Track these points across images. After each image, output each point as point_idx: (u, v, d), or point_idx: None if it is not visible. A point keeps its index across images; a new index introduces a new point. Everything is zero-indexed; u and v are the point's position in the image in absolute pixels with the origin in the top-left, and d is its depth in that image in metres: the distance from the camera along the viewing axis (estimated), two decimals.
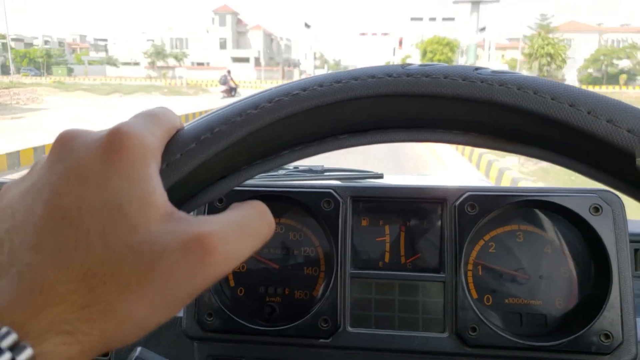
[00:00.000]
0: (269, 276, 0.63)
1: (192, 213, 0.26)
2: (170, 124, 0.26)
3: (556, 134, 0.24)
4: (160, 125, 0.26)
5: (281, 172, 1.19)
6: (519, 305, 0.60)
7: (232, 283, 0.64)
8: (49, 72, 46.34)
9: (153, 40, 52.39)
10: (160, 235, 0.22)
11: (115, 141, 0.23)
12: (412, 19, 39.86)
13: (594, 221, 0.57)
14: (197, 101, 17.89)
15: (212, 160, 0.25)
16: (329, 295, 0.60)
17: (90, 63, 53.91)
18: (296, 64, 65.58)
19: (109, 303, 0.21)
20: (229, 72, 18.81)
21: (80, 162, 0.23)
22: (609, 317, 0.56)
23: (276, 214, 0.64)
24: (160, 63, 47.17)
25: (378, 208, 0.63)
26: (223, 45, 49.55)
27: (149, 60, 46.38)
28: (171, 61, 48.38)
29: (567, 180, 5.21)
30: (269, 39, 56.26)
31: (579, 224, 0.59)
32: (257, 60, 50.97)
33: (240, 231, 0.24)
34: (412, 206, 0.62)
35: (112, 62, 52.75)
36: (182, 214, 0.23)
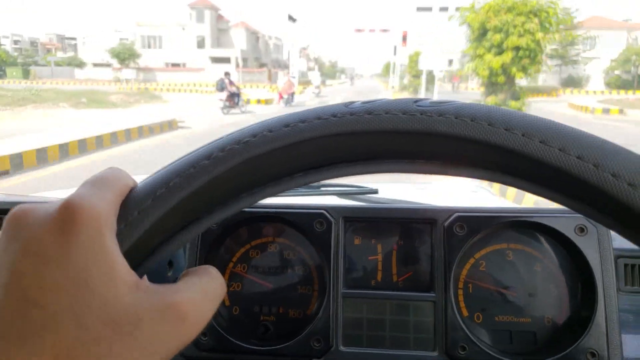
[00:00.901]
0: (264, 295, 0.65)
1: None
2: (121, 184, 0.26)
3: (497, 158, 0.25)
4: (111, 189, 0.25)
5: None
6: (509, 322, 0.61)
7: (227, 302, 0.65)
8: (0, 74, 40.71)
9: (128, 39, 46.87)
10: (134, 305, 0.22)
11: (67, 216, 0.23)
12: (419, 9, 34.28)
13: (579, 241, 0.60)
14: (119, 116, 12.30)
15: (170, 214, 0.25)
16: (322, 315, 0.61)
17: (57, 64, 48.10)
18: (286, 65, 60.24)
19: None
20: (227, 74, 14.41)
21: (36, 240, 0.23)
22: (595, 335, 0.57)
23: (270, 233, 0.67)
24: (132, 64, 41.69)
25: (370, 228, 0.65)
26: (201, 43, 43.98)
27: (118, 60, 40.83)
28: (145, 60, 42.92)
29: None
30: (255, 37, 50.78)
31: (566, 243, 0.61)
32: (244, 60, 45.52)
33: (204, 296, 0.25)
34: (404, 226, 0.64)
35: (77, 63, 46.94)
36: (147, 283, 0.24)
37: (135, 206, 0.25)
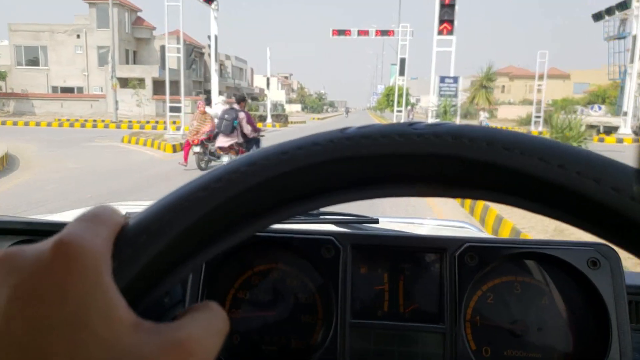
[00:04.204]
0: (266, 324, 0.63)
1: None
2: (114, 221, 0.25)
3: (497, 178, 0.25)
4: (104, 226, 0.25)
5: None
6: (518, 357, 0.60)
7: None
8: None
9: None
10: (136, 346, 0.21)
11: (60, 254, 0.22)
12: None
13: (592, 275, 0.59)
14: None
15: (166, 250, 0.25)
16: (329, 345, 0.60)
17: None
18: (252, 94, 45.57)
19: None
20: (234, 98, 8.51)
21: (27, 281, 0.22)
22: None
23: (274, 259, 0.65)
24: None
25: (377, 256, 0.64)
26: (104, 58, 29.01)
27: None
28: (21, 82, 28.08)
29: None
30: (197, 53, 36.06)
31: (577, 277, 0.60)
32: (171, 85, 30.50)
33: (208, 332, 0.24)
34: (412, 255, 0.64)
35: None
36: (147, 322, 0.23)
37: (129, 243, 0.25)
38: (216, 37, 17.06)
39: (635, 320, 0.69)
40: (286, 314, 0.63)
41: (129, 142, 14.10)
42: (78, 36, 30.54)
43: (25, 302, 0.21)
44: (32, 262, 0.22)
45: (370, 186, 0.27)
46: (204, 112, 8.95)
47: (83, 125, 20.47)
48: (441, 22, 15.02)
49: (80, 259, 0.22)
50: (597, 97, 30.58)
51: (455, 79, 17.18)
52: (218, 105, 11.02)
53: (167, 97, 15.21)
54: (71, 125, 20.78)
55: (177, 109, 14.62)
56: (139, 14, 32.71)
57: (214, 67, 17.45)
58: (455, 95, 17.03)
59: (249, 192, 0.25)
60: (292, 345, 0.62)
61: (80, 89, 30.68)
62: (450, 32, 15.21)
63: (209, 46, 17.50)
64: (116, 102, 21.86)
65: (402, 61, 23.83)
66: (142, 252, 0.24)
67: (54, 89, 30.78)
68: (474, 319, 0.61)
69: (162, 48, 21.41)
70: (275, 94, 66.57)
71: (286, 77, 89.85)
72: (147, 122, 21.98)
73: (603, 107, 24.83)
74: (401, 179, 0.26)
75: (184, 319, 0.24)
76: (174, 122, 14.72)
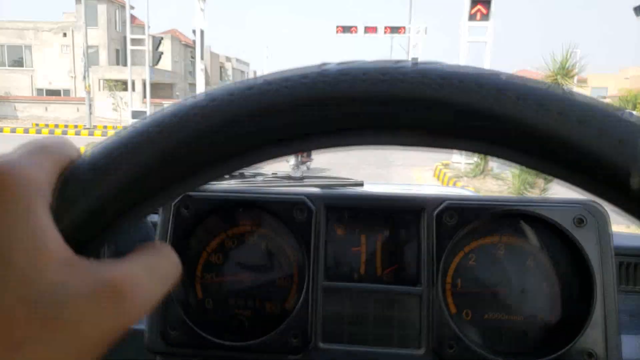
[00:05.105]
0: (240, 288, 0.62)
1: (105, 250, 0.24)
2: (62, 154, 0.23)
3: (489, 125, 0.22)
4: (50, 158, 0.23)
5: (258, 178, 1.13)
6: (499, 320, 0.59)
7: (199, 294, 0.62)
8: None
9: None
10: (61, 283, 0.20)
11: None
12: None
13: (577, 233, 0.57)
14: None
15: (116, 189, 0.23)
16: (300, 309, 0.59)
17: None
18: None
19: None
20: None
21: None
22: (592, 335, 0.55)
23: (248, 222, 0.63)
24: None
25: (353, 217, 0.62)
26: (93, 59, 26.98)
27: None
28: (2, 84, 26.12)
29: None
30: (191, 52, 33.92)
31: (562, 236, 0.58)
32: (163, 88, 28.71)
33: (150, 274, 0.23)
34: (389, 215, 0.62)
35: None
36: (81, 258, 0.21)
37: (75, 179, 0.23)
38: (202, 32, 14.96)
39: (625, 282, 0.66)
40: (261, 278, 0.62)
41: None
42: (65, 35, 28.52)
43: None
44: None
45: (347, 132, 0.24)
46: None
47: (65, 132, 18.58)
48: (474, 3, 11.17)
49: (11, 189, 0.20)
50: (627, 103, 28.24)
51: None
52: None
53: (130, 100, 13.02)
54: (51, 132, 18.86)
55: (141, 115, 12.45)
56: (130, 11, 30.69)
57: (199, 66, 15.35)
58: None
59: (209, 131, 0.23)
60: (266, 309, 0.61)
61: (67, 92, 28.63)
62: (485, 17, 11.84)
63: (194, 42, 15.35)
64: (90, 105, 19.86)
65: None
66: (88, 191, 0.22)
67: (39, 91, 28.73)
68: (455, 281, 0.59)
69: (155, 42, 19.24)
70: None
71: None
72: (125, 127, 19.86)
73: (635, 113, 22.50)
74: (383, 124, 0.23)
75: (126, 258, 0.23)
76: None
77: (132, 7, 30.94)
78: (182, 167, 0.23)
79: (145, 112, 12.42)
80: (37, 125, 20.50)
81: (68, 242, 0.21)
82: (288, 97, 0.22)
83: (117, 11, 28.85)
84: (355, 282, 0.60)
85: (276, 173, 1.25)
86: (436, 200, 0.59)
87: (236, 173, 1.15)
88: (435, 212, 0.59)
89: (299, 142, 0.23)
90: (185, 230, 0.61)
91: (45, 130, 19.11)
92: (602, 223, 0.56)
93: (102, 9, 27.69)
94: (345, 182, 1.05)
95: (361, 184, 1.04)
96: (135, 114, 12.44)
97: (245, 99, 0.22)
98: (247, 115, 0.22)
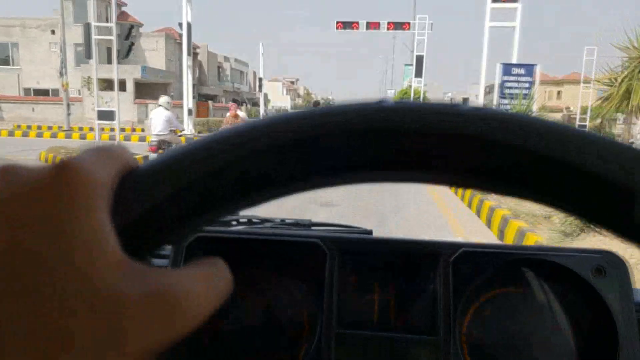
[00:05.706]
0: (248, 337, 0.60)
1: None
2: (124, 160, 0.24)
3: (544, 173, 0.21)
4: (115, 161, 0.23)
5: (267, 224, 1.15)
6: None
7: (206, 340, 0.60)
8: None
9: None
10: (117, 286, 0.20)
11: (61, 177, 0.20)
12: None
13: (597, 284, 0.54)
14: None
15: (173, 197, 0.23)
16: (313, 357, 0.57)
17: None
18: (254, 99, 42.19)
19: None
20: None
21: (17, 201, 0.20)
22: None
23: (259, 266, 0.61)
24: None
25: (367, 263, 0.61)
26: (82, 56, 25.65)
27: None
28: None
29: None
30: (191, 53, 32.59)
31: (581, 287, 0.55)
32: (153, 88, 27.33)
33: (205, 288, 0.23)
34: (404, 262, 0.60)
35: None
36: (139, 265, 0.21)
37: (135, 183, 0.23)
38: (189, 25, 13.75)
39: None
40: (271, 326, 0.60)
41: (45, 159, 10.30)
42: (53, 32, 27.36)
43: (9, 223, 0.20)
44: (26, 181, 0.21)
45: (399, 167, 0.23)
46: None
47: (54, 135, 17.26)
48: None
49: (78, 187, 0.21)
50: None
51: (530, 68, 10.67)
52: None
53: (117, 99, 11.72)
54: (39, 135, 17.69)
55: (108, 115, 11.07)
56: (123, 8, 29.50)
57: (185, 63, 14.11)
58: (529, 94, 10.22)
59: (269, 153, 0.23)
60: (276, 357, 0.59)
61: (55, 92, 27.35)
62: None
63: (181, 37, 14.10)
64: (68, 105, 18.59)
65: (419, 60, 20.35)
66: (146, 195, 0.23)
67: (27, 91, 27.67)
68: (470, 331, 0.57)
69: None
70: (280, 99, 63.30)
71: (292, 82, 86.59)
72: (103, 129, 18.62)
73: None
74: (432, 162, 0.23)
75: (182, 269, 0.23)
76: (112, 130, 11.14)
77: (124, 4, 29.85)
78: (235, 186, 0.23)
79: (113, 111, 11.03)
80: (19, 127, 19.24)
81: (123, 245, 0.21)
82: (346, 125, 0.22)
83: (107, 7, 27.60)
84: (367, 329, 0.58)
85: (284, 220, 1.17)
86: (452, 247, 0.57)
87: (244, 219, 1.10)
88: (452, 259, 0.57)
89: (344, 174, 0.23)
90: None
91: (32, 134, 17.90)
92: (623, 274, 0.54)
93: (90, 3, 26.48)
94: (352, 229, 1.03)
95: (370, 233, 0.99)
96: (101, 114, 11.06)
97: (307, 128, 0.23)
98: (304, 142, 0.23)
